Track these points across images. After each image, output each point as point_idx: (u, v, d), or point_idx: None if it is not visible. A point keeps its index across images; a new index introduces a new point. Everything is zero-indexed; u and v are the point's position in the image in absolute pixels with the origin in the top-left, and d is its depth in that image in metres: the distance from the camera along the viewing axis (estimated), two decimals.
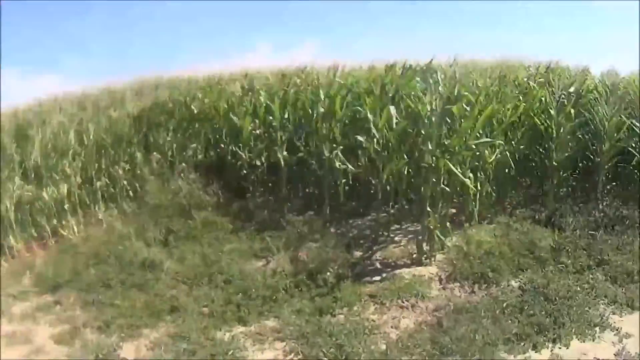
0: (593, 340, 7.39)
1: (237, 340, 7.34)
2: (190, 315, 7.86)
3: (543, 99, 12.31)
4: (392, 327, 7.56)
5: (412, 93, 10.14)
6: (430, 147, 9.15)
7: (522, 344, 7.16)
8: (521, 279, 9.01)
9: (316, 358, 6.88)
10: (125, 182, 11.78)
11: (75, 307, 8.44)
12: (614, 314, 8.09)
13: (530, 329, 7.46)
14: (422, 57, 11.44)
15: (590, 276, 9.15)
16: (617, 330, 7.62)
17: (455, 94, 9.68)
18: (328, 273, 8.72)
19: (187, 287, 8.73)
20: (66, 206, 10.83)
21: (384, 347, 7.00)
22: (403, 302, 8.17)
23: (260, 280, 8.72)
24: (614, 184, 12.70)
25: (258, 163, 11.88)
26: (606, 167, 12.20)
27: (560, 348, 7.18)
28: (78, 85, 16.97)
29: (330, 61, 12.65)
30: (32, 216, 10.57)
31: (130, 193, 11.87)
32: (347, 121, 11.15)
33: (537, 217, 11.37)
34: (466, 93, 10.02)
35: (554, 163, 11.82)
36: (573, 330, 7.51)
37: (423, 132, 9.39)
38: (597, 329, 7.62)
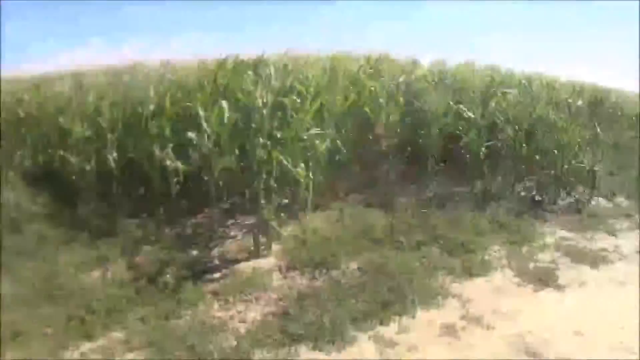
0: (437, 308, 7.73)
1: (85, 357, 6.92)
2: (34, 338, 7.25)
3: (373, 89, 12.55)
4: (239, 321, 7.44)
5: (243, 87, 10.18)
6: (262, 140, 9.14)
7: (370, 320, 7.28)
8: (360, 261, 9.17)
9: None
10: None
11: None
12: (453, 282, 8.58)
13: (375, 306, 7.61)
14: (253, 51, 11.53)
15: (426, 251, 9.59)
16: (458, 296, 8.08)
17: (288, 86, 9.73)
18: (167, 275, 8.50)
19: (27, 308, 8.03)
20: None
21: (234, 342, 6.89)
22: (247, 296, 8.07)
23: (101, 291, 8.30)
24: (442, 165, 13.15)
25: (88, 167, 11.32)
26: (434, 149, 12.65)
27: (407, 319, 7.39)
28: None
29: (160, 57, 12.54)
30: None
31: None
32: (177, 118, 10.97)
33: (369, 201, 11.72)
34: (298, 85, 10.11)
35: (384, 149, 12.13)
36: (417, 302, 7.75)
37: (254, 125, 9.36)
38: (439, 297, 8.00)
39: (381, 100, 12.28)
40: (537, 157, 13.07)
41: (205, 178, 10.40)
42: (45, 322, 7.57)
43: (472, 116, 12.86)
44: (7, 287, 8.52)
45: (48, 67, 15.94)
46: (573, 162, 12.95)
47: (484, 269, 9.07)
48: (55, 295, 8.23)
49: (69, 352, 6.98)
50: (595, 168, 13.24)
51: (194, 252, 9.59)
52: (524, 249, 10.04)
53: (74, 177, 11.43)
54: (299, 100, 9.99)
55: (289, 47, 12.95)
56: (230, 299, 8.01)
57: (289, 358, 6.55)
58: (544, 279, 8.75)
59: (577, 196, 13.41)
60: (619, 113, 21.63)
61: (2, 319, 7.63)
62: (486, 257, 9.52)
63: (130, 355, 6.79)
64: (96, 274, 9.06)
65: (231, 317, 7.55)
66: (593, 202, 13.25)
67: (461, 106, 13.02)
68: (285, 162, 9.33)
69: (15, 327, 7.39)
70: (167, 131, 10.69)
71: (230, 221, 10.87)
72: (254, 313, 7.67)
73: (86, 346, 7.04)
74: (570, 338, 7.10)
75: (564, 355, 6.71)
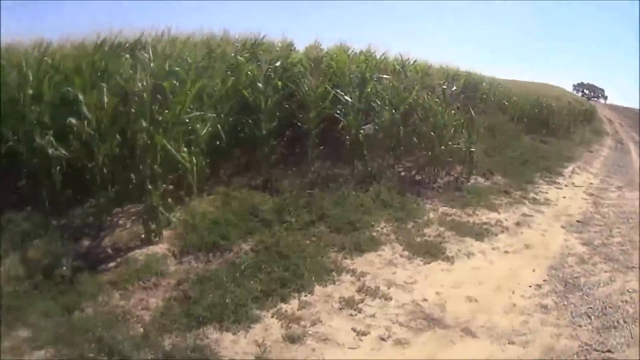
0: (334, 284, 7.98)
1: None
2: None
3: (250, 72, 12.58)
4: (142, 309, 7.35)
5: (121, 71, 10.01)
6: (143, 124, 9.01)
7: (270, 298, 7.41)
8: (251, 242, 9.24)
9: (81, 357, 6.52)
10: None
11: None
12: (345, 259, 8.86)
13: (273, 284, 7.73)
14: (128, 32, 11.34)
15: (316, 230, 9.81)
16: (352, 271, 8.35)
17: (167, 70, 9.63)
18: (63, 268, 8.15)
19: None
20: None
21: (141, 329, 6.83)
22: (145, 283, 7.97)
23: None
24: (322, 148, 13.28)
25: None
26: (313, 132, 12.80)
27: (306, 296, 7.58)
28: None
29: (36, 38, 12.12)
30: None
31: None
32: (57, 103, 10.62)
33: (253, 183, 11.80)
34: (177, 69, 10.03)
35: (263, 132, 12.19)
36: (313, 278, 7.96)
37: (134, 109, 9.23)
38: (334, 273, 8.25)
39: (259, 84, 12.28)
40: (415, 139, 13.38)
41: (89, 166, 10.16)
42: None
43: (350, 100, 13.04)
44: None
45: None
46: (450, 143, 13.30)
47: (374, 244, 9.36)
48: None
49: None
50: (472, 149, 13.70)
51: (86, 243, 9.31)
52: (410, 224, 10.43)
53: None
54: (177, 84, 9.90)
55: (163, 28, 12.80)
56: (130, 288, 7.87)
57: (199, 341, 6.56)
58: (433, 251, 9.17)
59: (456, 175, 13.84)
60: (492, 98, 22.40)
61: None
62: (374, 234, 9.81)
63: (41, 353, 6.57)
64: None
65: (134, 306, 7.45)
66: (472, 181, 13.79)
67: (338, 91, 13.18)
68: (167, 146, 9.20)
69: None
70: (47, 117, 10.31)
71: (118, 209, 10.55)
72: (156, 299, 7.61)
73: None
74: (465, 304, 7.51)
75: (461, 319, 6.97)
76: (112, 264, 8.61)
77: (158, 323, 6.91)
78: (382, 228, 10.16)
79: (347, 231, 9.79)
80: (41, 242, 9.08)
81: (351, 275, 8.19)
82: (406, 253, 9.06)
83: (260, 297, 7.42)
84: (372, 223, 10.24)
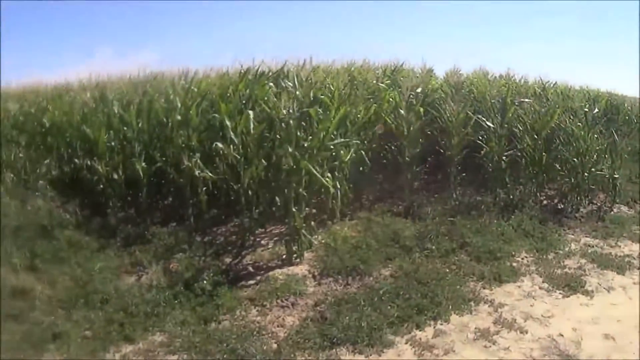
0: (471, 313, 7.91)
1: (127, 359, 7.10)
2: (73, 340, 7.37)
3: (392, 99, 12.70)
4: (278, 326, 7.58)
5: (266, 97, 10.31)
6: (290, 149, 9.23)
7: (406, 325, 7.45)
8: (391, 267, 9.36)
9: None
10: None
11: None
12: (484, 288, 8.76)
13: (410, 310, 7.77)
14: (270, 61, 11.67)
15: (456, 258, 9.76)
16: (490, 302, 8.25)
17: (312, 97, 9.84)
18: (205, 281, 8.58)
19: (64, 311, 8.13)
20: None
21: (275, 345, 7.04)
22: (283, 302, 8.21)
23: (138, 295, 8.40)
24: (464, 174, 13.25)
25: (115, 176, 11.39)
26: (456, 159, 12.78)
27: (442, 324, 7.57)
28: None
29: (173, 68, 12.63)
30: None
31: None
32: (203, 128, 11.08)
33: (395, 209, 11.89)
34: (322, 96, 10.24)
35: (406, 159, 12.27)
36: (450, 307, 7.94)
37: (280, 135, 9.49)
38: (472, 303, 8.17)
39: (402, 111, 12.37)
40: (557, 165, 13.14)
41: (235, 188, 10.53)
42: (84, 325, 7.70)
43: (492, 126, 12.95)
44: (44, 291, 8.67)
45: (61, 78, 15.87)
46: (593, 169, 12.99)
47: (513, 275, 9.22)
48: (92, 299, 8.35)
49: (110, 354, 7.12)
50: (615, 175, 13.31)
51: (227, 260, 9.71)
52: (551, 255, 10.16)
53: (101, 186, 11.50)
54: (320, 110, 10.12)
55: (305, 57, 13.08)
56: (267, 305, 8.14)
57: None
58: (572, 284, 8.88)
59: (598, 204, 13.49)
60: (635, 120, 21.73)
61: (41, 320, 7.82)
62: (514, 264, 9.67)
63: (173, 358, 6.93)
64: (131, 279, 9.21)
65: (270, 322, 7.68)
66: (615, 210, 13.32)
67: (480, 116, 13.12)
68: (313, 171, 9.40)
69: (54, 329, 7.54)
70: (194, 141, 10.76)
71: (260, 230, 10.94)
72: (292, 318, 7.81)
73: (127, 348, 7.19)
74: (601, 341, 7.23)
75: (596, 357, 6.85)
76: (251, 282, 8.92)
77: (292, 340, 7.11)
78: (522, 258, 10.01)
79: (487, 260, 9.72)
80: (184, 256, 9.59)
81: (489, 306, 8.12)
82: (545, 285, 8.88)
83: (396, 323, 7.47)
84: (513, 253, 10.10)
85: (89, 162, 11.76)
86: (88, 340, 7.39)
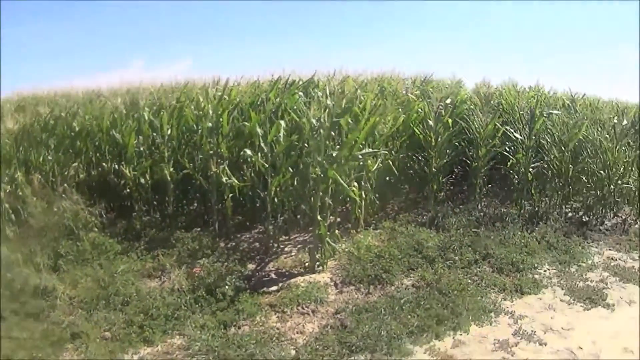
0: (490, 325, 7.96)
1: None
2: (92, 340, 7.54)
3: (421, 110, 12.76)
4: (297, 332, 7.68)
5: (295, 107, 10.40)
6: (318, 158, 9.29)
7: (425, 334, 7.52)
8: (413, 277, 9.44)
9: None
10: (6, 205, 11.23)
11: None
12: (505, 300, 8.82)
13: (430, 320, 7.83)
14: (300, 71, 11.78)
15: (478, 269, 9.83)
16: (510, 313, 8.30)
17: (343, 107, 9.91)
18: (226, 286, 8.68)
19: (84, 312, 8.31)
20: None
21: (293, 352, 7.13)
22: (303, 309, 8.30)
23: (159, 298, 8.54)
24: (490, 185, 13.28)
25: (143, 181, 11.60)
26: (482, 170, 12.81)
27: (461, 334, 7.64)
28: None
29: (205, 76, 12.74)
30: None
31: (12, 217, 11.32)
32: (232, 136, 11.19)
33: (420, 220, 11.93)
34: (353, 107, 10.30)
35: (433, 169, 12.33)
36: (470, 318, 8.02)
37: (309, 144, 9.56)
38: (492, 314, 8.23)
39: (430, 121, 12.41)
40: (583, 177, 13.10)
41: (261, 195, 10.68)
42: (104, 325, 7.87)
43: (519, 137, 12.95)
44: (66, 291, 8.85)
45: (98, 83, 15.98)
46: (619, 182, 12.93)
47: (535, 287, 9.23)
48: (113, 301, 8.50)
49: (129, 355, 7.27)
50: None
51: (250, 266, 9.81)
52: (573, 268, 10.16)
53: (128, 190, 11.73)
54: (350, 120, 10.17)
55: (336, 68, 13.15)
56: (288, 311, 8.23)
57: None
58: (594, 297, 8.90)
59: (623, 217, 13.44)
60: None
61: (61, 319, 7.97)
62: (536, 276, 9.67)
63: None
64: (153, 282, 9.35)
65: (290, 329, 7.78)
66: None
67: (508, 128, 13.12)
68: (340, 180, 9.45)
69: (73, 329, 7.70)
70: (223, 148, 10.86)
71: (284, 237, 11.08)
72: (312, 325, 7.90)
73: (146, 350, 7.34)
74: (620, 354, 7.25)
75: None
76: (273, 288, 9.02)
77: (311, 347, 7.20)
78: (544, 271, 9.99)
79: (509, 272, 9.75)
80: (207, 261, 9.71)
81: (509, 317, 8.15)
82: (567, 298, 8.88)
83: (415, 332, 7.54)
84: (535, 265, 10.09)
85: (117, 166, 11.96)
86: (107, 341, 7.55)
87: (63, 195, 11.34)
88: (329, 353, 7.06)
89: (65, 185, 11.65)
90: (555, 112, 13.84)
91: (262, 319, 8.03)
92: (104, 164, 12.39)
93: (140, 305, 8.36)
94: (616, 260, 10.74)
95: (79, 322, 7.93)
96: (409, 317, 7.93)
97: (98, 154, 12.65)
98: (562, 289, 9.22)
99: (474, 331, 7.74)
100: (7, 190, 10.99)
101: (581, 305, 8.67)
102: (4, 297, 8.59)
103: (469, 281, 9.29)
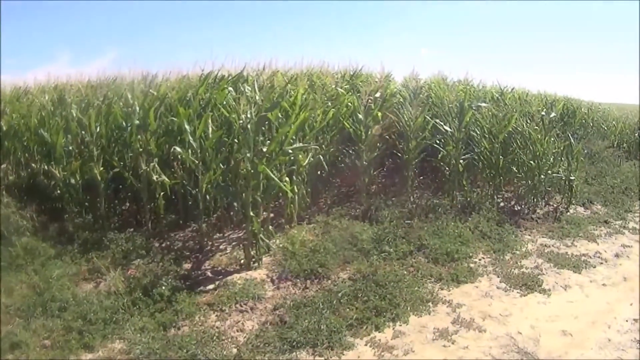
0: (429, 314, 8.01)
1: None
2: (32, 349, 7.29)
3: (350, 104, 12.76)
4: (237, 330, 7.60)
5: (225, 102, 10.32)
6: (248, 154, 9.24)
7: (365, 326, 7.53)
8: (349, 270, 9.42)
9: None
10: None
11: None
12: (442, 289, 8.90)
13: (369, 312, 7.85)
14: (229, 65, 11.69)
15: (413, 260, 9.86)
16: (448, 302, 8.37)
17: (272, 102, 9.85)
18: (163, 287, 8.54)
19: (22, 320, 8.00)
20: None
21: (235, 350, 7.06)
22: (242, 307, 8.22)
23: (97, 302, 8.30)
24: (422, 178, 13.39)
25: (73, 181, 11.25)
26: (413, 163, 12.91)
27: (400, 325, 7.66)
28: None
29: (133, 70, 12.54)
30: None
31: None
32: (161, 133, 11.04)
33: (353, 213, 11.92)
34: (281, 101, 10.26)
35: (364, 163, 12.35)
36: (408, 308, 8.05)
37: (239, 140, 9.52)
38: (430, 304, 8.28)
39: (360, 115, 12.43)
40: (514, 168, 13.29)
41: (193, 192, 10.54)
42: (43, 333, 7.61)
43: (449, 130, 13.06)
44: (2, 299, 8.57)
45: (19, 81, 15.66)
46: (549, 172, 13.15)
47: (471, 275, 9.34)
48: (50, 307, 8.24)
49: None
50: (571, 177, 13.50)
51: (186, 265, 9.70)
52: (507, 256, 10.33)
53: (59, 191, 11.45)
54: (280, 115, 10.15)
55: (265, 62, 13.10)
56: (226, 310, 8.15)
57: None
58: (530, 283, 9.06)
59: (555, 205, 13.68)
60: (591, 124, 21.99)
61: None
62: (471, 265, 9.78)
63: None
64: (89, 285, 9.14)
65: (229, 327, 7.70)
66: (571, 211, 13.53)
67: (437, 120, 13.23)
68: (272, 175, 9.41)
69: (12, 339, 7.42)
70: (152, 145, 10.72)
71: (218, 235, 10.99)
72: (251, 322, 7.84)
73: (87, 357, 7.14)
74: (560, 338, 7.40)
75: (554, 354, 6.95)
76: (210, 287, 8.92)
77: (252, 345, 7.14)
78: (479, 259, 10.14)
79: (444, 262, 9.83)
80: (142, 261, 9.57)
81: (447, 306, 8.22)
82: (503, 285, 9.01)
83: (355, 325, 7.54)
84: (470, 254, 10.22)
85: (46, 167, 11.67)
86: (47, 349, 7.32)
87: None
88: (271, 349, 7.00)
89: None
90: (483, 104, 14.04)
91: (201, 318, 7.94)
92: (33, 164, 12.16)
93: (77, 310, 8.16)
94: (549, 247, 10.96)
95: (17, 332, 7.67)
96: (348, 310, 7.92)
97: (27, 154, 12.40)
98: (498, 277, 9.35)
99: (414, 321, 7.76)
100: None
101: (518, 292, 8.80)
102: None
103: (405, 272, 9.30)
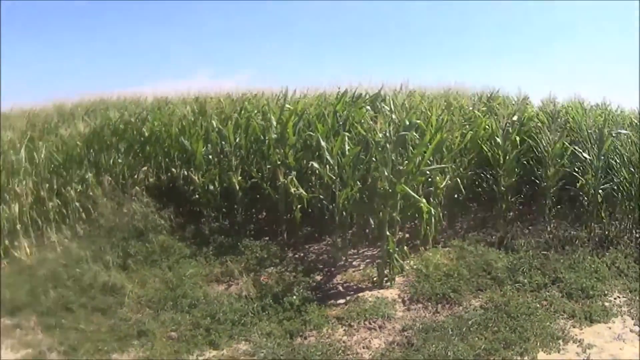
0: (558, 352, 7.77)
1: None
2: (158, 339, 7.75)
3: (488, 126, 12.66)
4: (363, 347, 7.67)
5: (362, 120, 10.38)
6: (386, 172, 9.27)
7: (492, 358, 7.44)
8: (482, 298, 9.30)
9: None
10: (77, 204, 11.40)
11: (37, 330, 8.19)
12: (574, 327, 8.56)
13: (497, 344, 7.73)
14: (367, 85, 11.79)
15: (547, 293, 9.58)
16: (579, 342, 8.05)
17: (408, 122, 9.86)
18: (294, 296, 8.77)
19: (152, 311, 8.56)
20: (18, 227, 10.27)
21: None
22: (370, 324, 8.28)
23: (227, 304, 8.67)
24: (559, 206, 13.05)
25: (211, 187, 11.77)
26: (551, 190, 12.61)
27: None
28: (23, 102, 16.22)
29: (272, 86, 12.83)
30: None
31: (83, 215, 11.46)
32: (299, 147, 11.28)
33: (489, 239, 11.76)
34: (419, 121, 10.26)
35: (502, 188, 12.20)
36: (538, 344, 7.85)
37: (376, 158, 9.56)
38: (560, 341, 8.02)
39: (498, 138, 12.29)
40: None
41: (329, 207, 10.70)
42: (171, 326, 8.09)
43: (588, 157, 12.70)
44: (134, 289, 9.16)
45: (166, 90, 16.30)
46: None
47: (604, 315, 8.96)
48: (180, 303, 8.72)
49: (194, 356, 7.44)
50: None
51: (318, 277, 9.89)
52: None
53: (197, 195, 11.90)
54: (417, 135, 10.22)
55: (401, 81, 13.15)
56: (355, 325, 8.25)
57: None
58: None
59: None
60: None
61: (128, 317, 8.34)
62: (606, 304, 9.39)
63: None
64: (220, 287, 9.55)
65: (356, 343, 7.81)
66: None
67: (576, 147, 12.89)
68: (411, 193, 9.44)
69: (140, 327, 7.96)
70: (290, 159, 10.92)
71: (352, 251, 11.09)
72: (378, 341, 7.90)
73: (211, 353, 7.49)
74: None
75: None
76: (341, 301, 9.06)
77: None
78: (614, 298, 9.68)
79: (578, 298, 9.49)
80: (275, 270, 9.91)
81: (577, 346, 7.93)
82: (637, 328, 8.61)
83: (482, 356, 7.46)
84: (606, 292, 9.79)
85: (185, 172, 12.11)
86: (173, 341, 7.75)
87: (133, 197, 11.54)
88: None
89: (136, 187, 11.85)
90: (623, 131, 13.57)
91: (329, 331, 8.08)
92: (172, 169, 12.68)
93: (207, 309, 8.56)
94: None
95: (145, 321, 8.18)
96: (477, 339, 7.84)
97: (167, 160, 12.90)
98: (632, 319, 8.95)
99: (541, 358, 7.60)
100: (78, 190, 11.24)
101: None
102: (72, 291, 9.05)
103: (538, 305, 9.08)
